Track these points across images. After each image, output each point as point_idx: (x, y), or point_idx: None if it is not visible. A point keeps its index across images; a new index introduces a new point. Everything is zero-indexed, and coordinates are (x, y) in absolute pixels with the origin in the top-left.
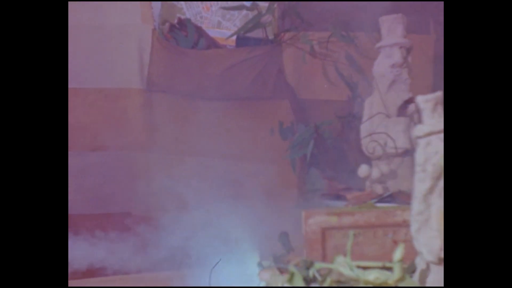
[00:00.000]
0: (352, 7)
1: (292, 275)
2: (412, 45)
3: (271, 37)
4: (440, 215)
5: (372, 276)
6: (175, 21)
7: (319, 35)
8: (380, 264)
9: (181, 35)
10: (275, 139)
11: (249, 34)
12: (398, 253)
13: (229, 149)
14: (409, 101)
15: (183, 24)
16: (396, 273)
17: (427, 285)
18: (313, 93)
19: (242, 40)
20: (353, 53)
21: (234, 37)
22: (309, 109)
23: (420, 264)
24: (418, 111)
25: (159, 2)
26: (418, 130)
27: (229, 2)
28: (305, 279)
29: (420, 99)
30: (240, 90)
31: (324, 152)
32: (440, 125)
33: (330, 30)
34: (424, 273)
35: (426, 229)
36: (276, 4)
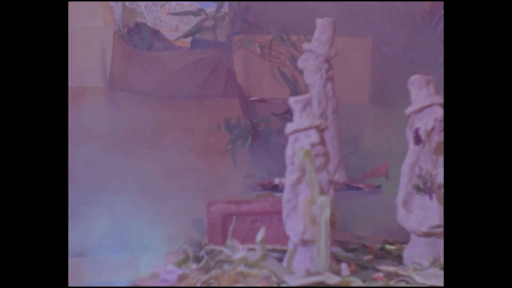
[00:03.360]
0: (301, 10)
1: (186, 256)
2: (336, 52)
3: (223, 39)
4: (306, 203)
5: (239, 256)
6: (133, 25)
7: (267, 38)
8: (270, 247)
9: (137, 38)
10: (224, 134)
11: (205, 37)
12: (259, 236)
13: (181, 143)
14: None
15: (139, 27)
16: (259, 253)
17: (293, 263)
18: (262, 92)
19: (196, 43)
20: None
21: (190, 40)
22: (257, 107)
23: (290, 246)
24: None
25: (121, 7)
26: (288, 127)
27: (177, 8)
28: (197, 259)
29: (291, 100)
30: (193, 89)
31: (262, 147)
32: (307, 123)
33: (270, 34)
34: (292, 254)
35: (294, 215)
36: (227, 8)
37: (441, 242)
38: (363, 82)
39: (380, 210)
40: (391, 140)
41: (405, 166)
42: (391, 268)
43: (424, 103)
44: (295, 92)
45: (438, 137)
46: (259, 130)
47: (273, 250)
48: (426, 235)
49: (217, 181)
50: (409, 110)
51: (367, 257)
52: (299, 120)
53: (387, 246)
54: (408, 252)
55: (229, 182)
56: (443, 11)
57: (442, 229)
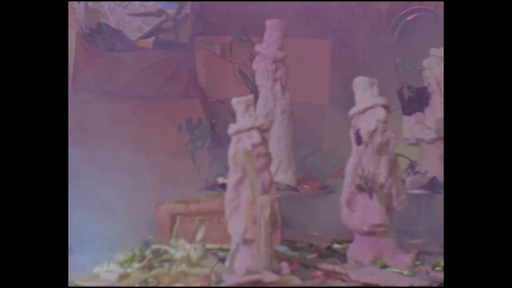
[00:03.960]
0: (262, 11)
1: (132, 256)
2: (285, 54)
3: (185, 40)
4: (247, 203)
5: (179, 255)
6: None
7: (228, 39)
8: (217, 246)
9: (99, 38)
10: (186, 135)
11: (167, 38)
12: (200, 235)
13: (142, 143)
14: None
15: (101, 28)
16: (199, 252)
17: (235, 262)
18: (224, 93)
19: (158, 44)
20: None
21: (152, 41)
22: (219, 108)
23: (232, 245)
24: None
25: (84, 8)
26: (230, 128)
27: (140, 9)
28: (143, 259)
29: (234, 101)
30: (155, 89)
31: (221, 147)
32: (248, 124)
33: (232, 35)
34: (234, 253)
35: (236, 215)
36: (189, 9)
37: (383, 241)
38: (323, 83)
39: (335, 210)
40: (350, 141)
41: (349, 167)
42: (330, 267)
43: (367, 104)
44: (254, 93)
45: (380, 138)
46: (218, 131)
47: (220, 249)
48: (368, 233)
49: (176, 181)
50: (352, 111)
51: (311, 256)
52: (241, 121)
53: (335, 245)
54: (351, 251)
55: (188, 182)
56: (401, 13)
57: (383, 228)
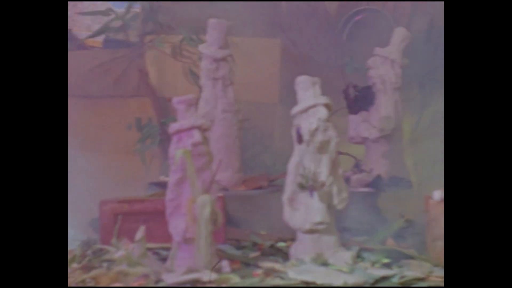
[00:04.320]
0: (212, 11)
1: (73, 256)
2: (227, 54)
3: (135, 39)
4: (187, 202)
5: (118, 255)
6: None
7: (178, 38)
8: (160, 245)
9: None
10: (135, 134)
11: (117, 37)
12: (138, 234)
13: (91, 142)
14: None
15: None
16: (138, 251)
17: (176, 261)
18: (175, 92)
19: (108, 43)
20: None
21: (102, 39)
22: (170, 107)
23: (173, 244)
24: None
25: None
26: (171, 127)
27: (90, 7)
28: (84, 258)
29: (174, 100)
30: (105, 88)
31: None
32: (189, 123)
33: (182, 34)
34: (175, 252)
35: (177, 214)
36: (139, 8)
37: (325, 239)
38: (273, 82)
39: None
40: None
41: (291, 165)
42: (269, 265)
43: (309, 103)
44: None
45: (322, 137)
46: (167, 130)
47: (163, 248)
48: (310, 232)
49: (125, 180)
50: (294, 110)
51: (253, 254)
52: (182, 120)
53: (279, 244)
54: (293, 249)
55: (137, 181)
56: (349, 13)
57: (324, 226)
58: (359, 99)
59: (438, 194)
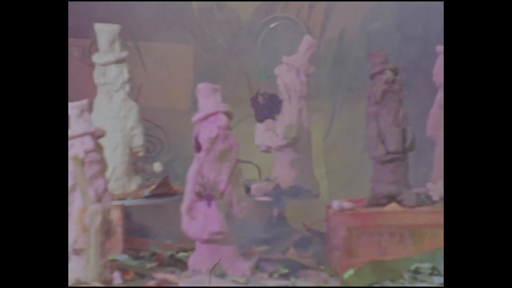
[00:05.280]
0: (124, 15)
1: None
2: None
3: None
4: (78, 211)
5: None
6: None
7: (87, 41)
8: None
9: None
10: None
11: None
12: None
13: None
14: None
15: None
16: None
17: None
18: (84, 97)
19: None
20: None
21: None
22: None
23: None
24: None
25: None
26: None
27: None
28: None
29: (69, 105)
30: None
31: None
32: (81, 130)
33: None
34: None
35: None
36: None
37: (223, 249)
38: (185, 88)
39: None
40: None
41: (190, 174)
42: (163, 276)
43: (209, 111)
44: None
45: (222, 145)
46: None
47: None
48: (208, 241)
49: None
50: (195, 117)
51: (150, 265)
52: (74, 126)
53: (180, 254)
54: (192, 259)
55: None
56: (263, 21)
57: (222, 236)
58: (265, 107)
59: (337, 204)
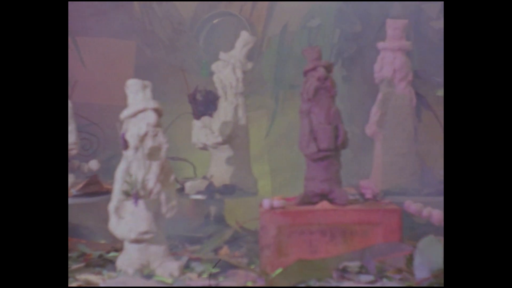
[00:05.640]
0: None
1: None
2: None
3: None
4: None
5: None
6: None
7: None
8: None
9: None
10: None
11: None
12: None
13: None
14: None
15: None
16: None
17: None
18: None
19: None
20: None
21: None
22: None
23: None
24: None
25: None
26: None
27: None
28: None
29: None
30: None
31: None
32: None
33: None
34: None
35: None
36: None
37: (152, 249)
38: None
39: None
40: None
41: (118, 172)
42: (84, 277)
43: (138, 107)
44: None
45: (152, 143)
46: None
47: None
48: (136, 241)
49: None
50: (123, 114)
51: (77, 266)
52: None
53: (111, 254)
54: (120, 259)
55: None
56: (206, 16)
57: (150, 235)
58: (202, 104)
59: (268, 202)
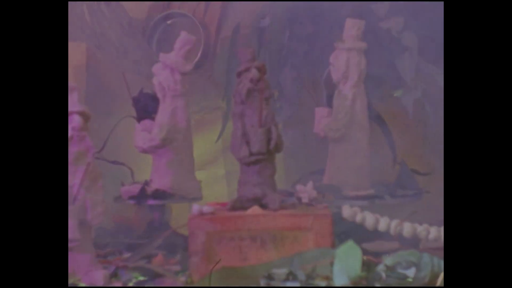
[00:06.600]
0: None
1: None
2: None
3: None
4: None
5: None
6: None
7: None
8: None
9: None
10: None
11: None
12: None
13: None
14: None
15: None
16: None
17: None
18: None
19: None
20: None
21: None
22: None
23: None
24: None
25: None
26: None
27: None
28: None
29: None
30: None
31: None
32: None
33: None
34: None
35: None
36: None
37: (78, 257)
38: (78, 87)
39: None
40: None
41: None
42: None
43: None
44: None
45: (77, 147)
46: None
47: None
48: None
49: None
50: None
51: None
52: None
53: None
54: None
55: None
56: (158, 17)
57: (75, 243)
58: (142, 107)
59: (197, 208)
